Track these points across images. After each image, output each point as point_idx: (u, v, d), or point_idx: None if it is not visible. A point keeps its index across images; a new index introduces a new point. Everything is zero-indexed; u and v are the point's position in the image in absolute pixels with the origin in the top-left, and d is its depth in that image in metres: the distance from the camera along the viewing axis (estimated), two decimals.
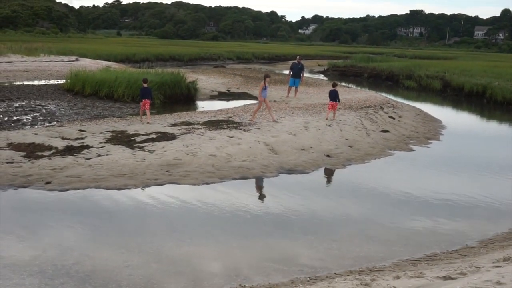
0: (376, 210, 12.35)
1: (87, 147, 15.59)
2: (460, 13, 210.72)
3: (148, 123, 19.64)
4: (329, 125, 20.18)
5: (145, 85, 20.53)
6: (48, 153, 14.77)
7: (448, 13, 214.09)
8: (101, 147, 15.62)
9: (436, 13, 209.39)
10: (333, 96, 21.76)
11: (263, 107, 22.05)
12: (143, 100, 20.09)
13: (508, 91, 34.02)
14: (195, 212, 11.50)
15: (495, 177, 15.92)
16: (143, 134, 17.51)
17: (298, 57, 32.10)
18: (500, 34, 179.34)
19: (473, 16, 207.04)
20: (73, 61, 50.12)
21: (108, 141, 16.45)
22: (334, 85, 22.53)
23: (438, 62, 64.45)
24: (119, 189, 12.57)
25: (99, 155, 14.68)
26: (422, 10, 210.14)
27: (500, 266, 7.06)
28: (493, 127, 27.99)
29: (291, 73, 30.08)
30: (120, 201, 11.94)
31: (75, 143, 15.96)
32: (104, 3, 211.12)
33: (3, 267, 8.38)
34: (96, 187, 12.56)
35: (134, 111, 24.19)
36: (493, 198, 13.50)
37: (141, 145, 16.09)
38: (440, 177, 15.66)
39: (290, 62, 31.99)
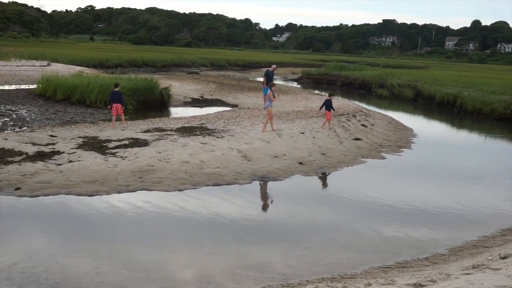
0: (348, 217, 12.42)
1: (58, 152, 15.42)
2: (431, 23, 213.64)
3: (123, 128, 19.52)
4: (302, 133, 20.25)
5: (116, 89, 20.41)
6: (18, 158, 14.58)
7: (420, 23, 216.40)
8: (73, 153, 15.46)
9: (408, 23, 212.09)
10: (328, 105, 21.92)
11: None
12: (113, 104, 19.97)
13: (478, 100, 34.51)
14: (167, 219, 11.45)
15: (464, 185, 16.12)
16: (115, 140, 17.38)
17: (273, 66, 31.32)
18: (471, 45, 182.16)
19: (444, 26, 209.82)
20: (44, 66, 49.53)
21: (80, 147, 16.29)
22: (331, 95, 22.95)
23: (410, 71, 65.13)
24: (90, 195, 12.46)
25: (71, 161, 14.53)
26: (394, 20, 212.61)
27: (469, 274, 7.15)
28: (463, 136, 28.37)
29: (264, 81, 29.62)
30: (91, 207, 11.83)
31: (46, 149, 15.78)
32: (77, 8, 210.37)
33: None
34: (67, 193, 12.43)
35: (107, 116, 24.01)
36: (462, 206, 13.67)
37: (113, 151, 15.97)
38: (411, 185, 15.82)
39: (265, 70, 31.68)
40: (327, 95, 22.98)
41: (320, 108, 22.86)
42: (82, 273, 8.55)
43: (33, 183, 12.76)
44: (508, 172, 18.29)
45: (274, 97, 20.23)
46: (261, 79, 48.83)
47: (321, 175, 15.94)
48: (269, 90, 20.57)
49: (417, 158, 19.51)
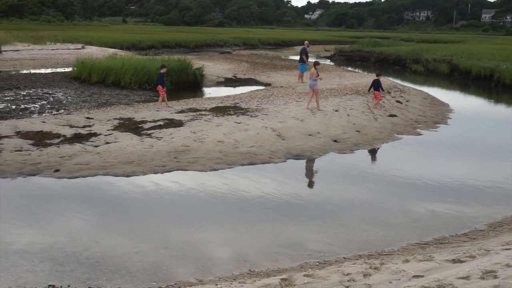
0: (384, 194, 12.35)
1: (95, 134, 15.63)
2: None
3: (157, 109, 19.74)
4: (336, 110, 20.13)
5: (161, 71, 20.91)
6: (56, 141, 14.83)
7: None
8: (109, 134, 15.65)
9: None
10: (377, 85, 21.69)
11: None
12: (158, 86, 20.62)
13: None
14: (203, 198, 11.53)
15: (503, 160, 15.85)
16: (150, 121, 17.53)
17: (306, 42, 31.34)
18: (508, 17, 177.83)
19: None
20: (79, 49, 50.14)
21: (116, 128, 16.49)
22: (378, 75, 22.46)
23: (445, 45, 64.08)
24: (127, 176, 12.62)
25: (107, 143, 14.72)
26: None
27: (509, 249, 7.06)
28: (501, 110, 27.85)
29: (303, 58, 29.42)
30: (128, 188, 11.98)
31: (83, 131, 16.01)
32: None
33: (14, 253, 8.45)
34: (104, 174, 12.61)
35: (141, 98, 24.24)
36: (501, 181, 13.46)
37: (148, 132, 16.12)
38: (448, 161, 15.62)
39: (297, 48, 31.48)
40: (375, 75, 22.57)
41: (369, 90, 22.44)
42: (121, 252, 8.69)
43: (71, 164, 12.97)
44: None
45: (318, 76, 20.16)
46: (294, 57, 48.73)
47: (356, 153, 15.84)
48: (313, 69, 20.43)
49: (453, 134, 19.24)
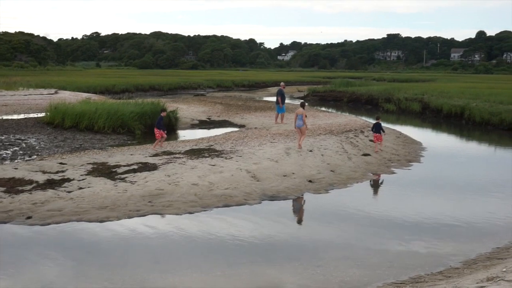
0: (360, 234, 12.36)
1: (68, 180, 15.48)
2: (436, 36, 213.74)
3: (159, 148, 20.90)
4: (311, 150, 20.25)
5: (161, 114, 22.25)
6: (28, 187, 14.65)
7: (425, 36, 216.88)
8: (82, 179, 15.52)
9: (413, 37, 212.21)
10: (378, 128, 22.22)
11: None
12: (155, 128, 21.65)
13: (486, 111, 34.45)
14: (178, 242, 11.44)
15: (476, 197, 16.04)
16: (124, 165, 17.44)
17: (282, 83, 31.46)
18: (476, 56, 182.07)
19: (449, 38, 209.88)
20: (52, 94, 49.89)
21: (89, 173, 16.36)
22: (378, 118, 23.04)
23: (417, 84, 65.23)
24: (101, 221, 12.48)
25: (81, 188, 14.58)
26: (399, 34, 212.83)
27: (483, 286, 7.09)
28: (472, 147, 28.24)
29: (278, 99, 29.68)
30: (102, 233, 11.84)
31: (56, 177, 15.85)
32: (83, 35, 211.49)
33: None
34: (78, 220, 12.46)
35: (115, 142, 24.13)
36: (475, 219, 13.59)
37: (122, 176, 16.02)
38: (422, 199, 15.74)
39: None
40: (375, 118, 23.32)
41: (372, 130, 22.84)
42: None
43: (44, 211, 12.80)
44: None
45: (305, 116, 21.25)
46: (268, 99, 49.08)
47: (331, 192, 15.89)
48: (301, 109, 21.32)
49: (427, 172, 19.43)
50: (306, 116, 21.26)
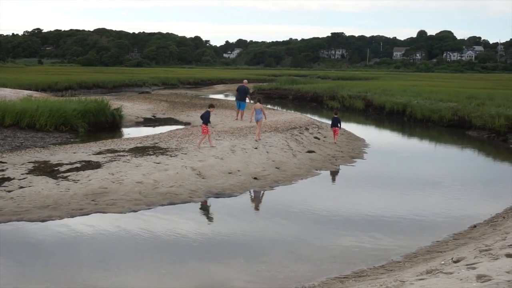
0: (305, 230, 12.49)
1: (8, 179, 15.09)
2: (379, 35, 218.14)
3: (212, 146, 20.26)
4: (256, 148, 20.33)
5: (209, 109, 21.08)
6: None
7: (368, 35, 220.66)
8: (23, 178, 15.15)
9: (356, 35, 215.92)
10: (336, 122, 23.73)
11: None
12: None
13: (426, 108, 35.36)
14: (122, 241, 11.32)
15: (417, 192, 16.43)
16: (67, 164, 17.12)
17: (245, 81, 32.41)
18: (417, 54, 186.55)
19: (391, 37, 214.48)
20: None
21: (31, 172, 15.99)
22: (336, 112, 24.50)
23: (360, 82, 66.21)
24: (43, 220, 12.22)
25: (21, 187, 14.24)
26: (342, 33, 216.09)
27: (423, 279, 7.27)
28: (414, 144, 28.90)
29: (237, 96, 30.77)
30: (44, 233, 11.60)
31: None
32: (24, 31, 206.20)
33: None
34: (18, 220, 12.16)
35: (58, 140, 23.66)
36: (416, 213, 13.92)
37: (65, 175, 15.72)
38: (365, 195, 16.02)
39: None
40: (333, 113, 24.84)
41: (331, 126, 24.44)
42: None
43: None
44: (458, 178, 18.73)
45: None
46: (214, 96, 49.17)
47: (275, 189, 16.00)
48: (259, 104, 22.76)
49: (370, 168, 19.78)
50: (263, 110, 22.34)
